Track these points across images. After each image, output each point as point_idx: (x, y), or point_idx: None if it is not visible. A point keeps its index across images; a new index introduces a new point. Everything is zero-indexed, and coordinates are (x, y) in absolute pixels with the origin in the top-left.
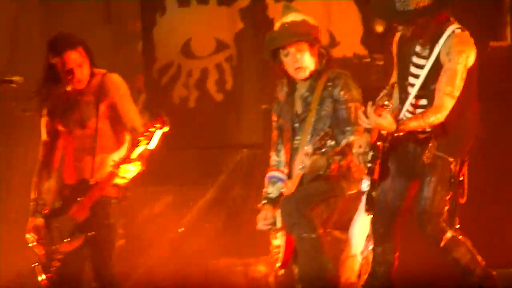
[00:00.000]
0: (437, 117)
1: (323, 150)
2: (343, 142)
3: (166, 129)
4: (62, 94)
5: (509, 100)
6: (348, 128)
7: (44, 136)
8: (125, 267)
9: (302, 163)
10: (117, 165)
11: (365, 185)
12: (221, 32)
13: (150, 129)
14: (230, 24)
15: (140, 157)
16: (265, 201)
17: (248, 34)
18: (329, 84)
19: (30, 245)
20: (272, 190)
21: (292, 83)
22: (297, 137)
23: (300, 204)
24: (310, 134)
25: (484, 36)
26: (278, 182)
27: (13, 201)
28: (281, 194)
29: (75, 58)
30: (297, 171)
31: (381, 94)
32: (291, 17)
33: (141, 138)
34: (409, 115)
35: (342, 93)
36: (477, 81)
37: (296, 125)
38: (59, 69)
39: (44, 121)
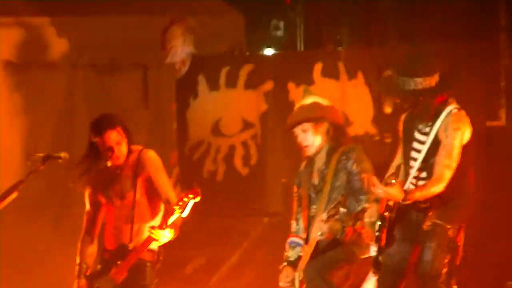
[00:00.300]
0: (438, 187)
1: (336, 217)
2: (358, 209)
3: (198, 199)
4: (103, 169)
5: (503, 175)
6: (362, 197)
7: (87, 206)
8: None
9: (319, 229)
10: (155, 230)
11: (373, 250)
12: (248, 113)
13: (184, 199)
14: (255, 106)
15: (174, 225)
16: (285, 263)
17: (271, 114)
18: (343, 157)
19: None
20: (291, 254)
21: (311, 157)
22: (314, 206)
23: (321, 270)
24: (325, 204)
25: (481, 116)
26: (296, 247)
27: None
28: (299, 257)
29: (114, 137)
30: (316, 236)
31: (389, 173)
32: (305, 101)
33: (176, 207)
34: (412, 187)
35: (355, 165)
36: (473, 156)
37: (313, 195)
38: (100, 146)
39: (87, 193)
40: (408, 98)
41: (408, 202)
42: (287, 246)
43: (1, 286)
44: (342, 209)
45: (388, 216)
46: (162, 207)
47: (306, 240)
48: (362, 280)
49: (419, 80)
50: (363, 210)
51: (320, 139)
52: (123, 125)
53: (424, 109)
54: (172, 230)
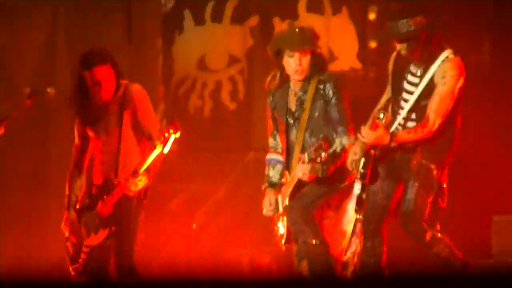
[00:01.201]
0: (426, 132)
1: (317, 160)
2: (337, 142)
3: (178, 134)
4: (92, 103)
5: (486, 111)
6: (340, 128)
7: (76, 139)
8: (145, 257)
9: (301, 170)
10: (127, 178)
11: (356, 188)
12: (234, 48)
13: (165, 135)
14: (241, 41)
15: (147, 170)
16: (266, 184)
17: (257, 49)
18: (321, 86)
19: (65, 235)
20: (273, 174)
21: (285, 77)
22: (293, 132)
23: (303, 211)
24: (304, 132)
25: (465, 50)
26: (277, 165)
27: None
28: (280, 178)
29: (103, 72)
30: (297, 175)
31: (378, 107)
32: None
33: (157, 142)
34: (400, 127)
35: (333, 95)
36: (462, 101)
37: (290, 121)
38: (88, 81)
39: (76, 126)
40: (405, 39)
41: (394, 144)
42: (266, 164)
43: None
44: (323, 154)
45: (373, 154)
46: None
47: (288, 165)
48: (343, 202)
49: (410, 20)
50: (343, 148)
51: (309, 67)
52: (113, 60)
53: (420, 50)
54: (144, 178)
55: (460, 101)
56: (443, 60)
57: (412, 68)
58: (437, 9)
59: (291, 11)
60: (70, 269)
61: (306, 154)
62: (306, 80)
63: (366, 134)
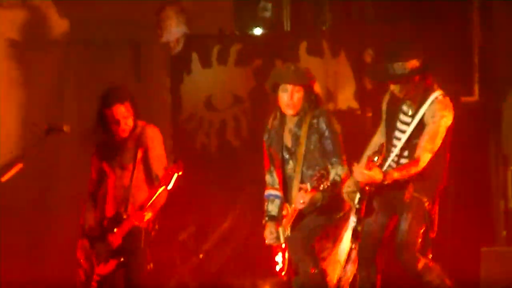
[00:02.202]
0: (416, 168)
1: (320, 188)
2: (333, 173)
3: (181, 173)
4: (109, 140)
5: (476, 149)
6: (334, 159)
7: (92, 174)
8: (154, 286)
9: (302, 198)
10: (134, 213)
11: (352, 221)
12: (238, 89)
13: (168, 173)
14: (245, 82)
15: (153, 205)
16: (267, 219)
17: (260, 90)
18: (314, 121)
19: (79, 262)
20: (272, 208)
21: (282, 117)
22: (289, 167)
23: (304, 242)
24: (302, 165)
25: (455, 91)
26: (275, 200)
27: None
28: (280, 211)
29: (122, 111)
30: (298, 205)
31: (372, 151)
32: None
33: (162, 181)
34: (393, 164)
35: (326, 128)
36: (451, 139)
37: (287, 156)
38: (107, 118)
39: (93, 161)
40: (399, 81)
41: (387, 182)
42: (265, 199)
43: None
44: (326, 182)
45: (368, 190)
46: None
47: (286, 198)
48: (340, 233)
49: (405, 63)
50: (340, 178)
51: (302, 102)
52: (132, 100)
53: (412, 91)
54: (150, 213)
55: (449, 139)
56: (433, 101)
57: (404, 108)
58: (429, 53)
59: (292, 54)
60: None
61: (308, 184)
62: (301, 117)
63: (361, 174)
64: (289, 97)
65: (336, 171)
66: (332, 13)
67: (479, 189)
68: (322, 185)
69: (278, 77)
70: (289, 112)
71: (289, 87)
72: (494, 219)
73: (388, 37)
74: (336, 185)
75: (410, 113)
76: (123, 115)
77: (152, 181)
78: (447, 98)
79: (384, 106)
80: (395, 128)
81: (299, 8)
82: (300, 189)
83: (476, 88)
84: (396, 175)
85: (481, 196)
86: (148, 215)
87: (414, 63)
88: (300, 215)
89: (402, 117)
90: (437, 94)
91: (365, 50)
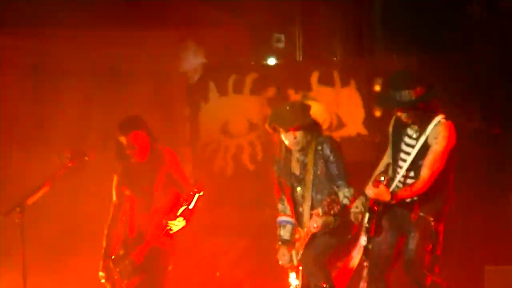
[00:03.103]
0: (422, 188)
1: (331, 213)
2: (341, 195)
3: (202, 193)
4: (129, 164)
5: (477, 169)
6: (340, 182)
7: (114, 198)
8: None
9: (315, 222)
10: (168, 221)
11: (363, 240)
12: (253, 116)
13: (190, 193)
14: (260, 109)
15: (183, 215)
16: (280, 243)
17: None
18: (319, 147)
19: (102, 281)
20: (284, 233)
21: (288, 149)
22: (298, 193)
23: (316, 258)
24: (311, 191)
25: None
26: (287, 225)
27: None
28: (292, 235)
29: (138, 137)
30: (312, 229)
31: (379, 172)
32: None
33: (184, 200)
34: (400, 185)
35: (330, 154)
36: (455, 160)
37: (295, 184)
38: (125, 145)
39: (114, 185)
40: (406, 108)
41: (394, 202)
42: (278, 225)
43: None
44: (336, 207)
45: (376, 210)
46: (175, 199)
47: (299, 223)
48: (350, 252)
49: (411, 91)
50: (348, 200)
51: (306, 136)
52: (146, 126)
53: (416, 116)
54: (182, 219)
55: (452, 160)
56: (436, 124)
57: (409, 131)
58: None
59: (304, 83)
60: None
61: (320, 209)
62: (306, 146)
63: (370, 189)
64: (291, 138)
65: (343, 193)
66: (342, 44)
67: (485, 207)
68: (333, 210)
69: (276, 121)
70: (295, 148)
71: (291, 129)
72: (496, 240)
73: (396, 67)
74: (346, 208)
75: (414, 136)
76: (139, 140)
77: (171, 201)
78: (450, 122)
79: (390, 129)
80: (400, 150)
81: (311, 39)
82: (311, 215)
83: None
84: (403, 194)
85: (486, 215)
86: (178, 225)
87: (419, 90)
88: (313, 237)
89: (407, 140)
90: (440, 117)
91: (374, 79)
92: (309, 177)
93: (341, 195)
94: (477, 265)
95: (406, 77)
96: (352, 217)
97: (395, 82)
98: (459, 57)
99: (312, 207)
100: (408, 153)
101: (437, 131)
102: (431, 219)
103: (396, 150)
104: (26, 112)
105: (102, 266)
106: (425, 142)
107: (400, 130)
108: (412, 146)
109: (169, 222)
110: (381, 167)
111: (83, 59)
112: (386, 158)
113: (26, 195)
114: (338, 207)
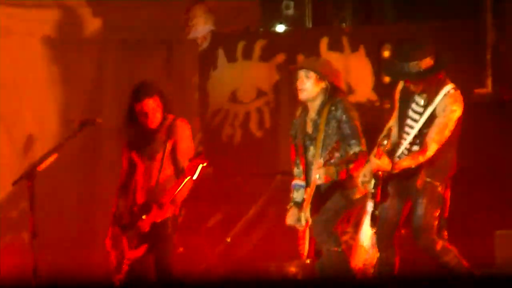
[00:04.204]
0: (424, 157)
1: (331, 161)
2: (351, 152)
3: (205, 164)
4: (139, 132)
5: (487, 137)
6: (353, 141)
7: (124, 164)
8: (183, 269)
9: (317, 173)
10: (161, 203)
11: (369, 206)
12: (262, 83)
13: (194, 164)
14: (268, 76)
15: (179, 196)
16: (291, 204)
17: (283, 84)
18: (333, 108)
19: (108, 249)
20: (296, 195)
21: (305, 108)
22: (310, 152)
23: (326, 224)
24: (321, 149)
25: (470, 83)
26: (300, 189)
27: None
28: (303, 199)
29: (151, 104)
30: (315, 180)
31: (382, 135)
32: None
33: (187, 171)
34: (406, 152)
35: (343, 114)
36: (461, 129)
37: (308, 143)
38: (137, 112)
39: (124, 152)
40: (414, 79)
41: (396, 171)
42: (292, 189)
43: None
44: (336, 154)
45: (381, 175)
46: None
47: (307, 183)
48: (360, 218)
49: (419, 62)
50: (355, 154)
51: (315, 90)
52: (161, 94)
53: (426, 85)
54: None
55: (459, 128)
56: (445, 94)
57: (417, 98)
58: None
59: (313, 50)
60: (114, 279)
61: (321, 158)
62: (321, 106)
63: (372, 159)
64: (300, 82)
65: (354, 151)
66: (351, 10)
67: (494, 173)
68: (333, 158)
69: (300, 62)
70: (300, 96)
71: (301, 73)
72: (509, 203)
73: (405, 34)
74: (350, 161)
75: (422, 103)
76: (152, 108)
77: (179, 172)
78: (458, 92)
79: (397, 95)
80: (407, 116)
81: (320, 6)
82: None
83: (489, 81)
84: (404, 163)
85: (495, 180)
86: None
87: (428, 61)
88: (321, 198)
89: (415, 107)
90: (449, 88)
91: (383, 46)
92: (320, 136)
93: (351, 152)
94: (488, 230)
95: (414, 47)
96: (360, 185)
97: (402, 53)
98: (471, 23)
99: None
100: (416, 120)
101: (445, 102)
102: (438, 183)
103: (403, 116)
104: (38, 80)
105: (110, 233)
106: (433, 111)
107: (408, 97)
108: (420, 114)
109: (173, 193)
110: (385, 132)
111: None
112: (391, 123)
113: (36, 163)
114: (339, 154)
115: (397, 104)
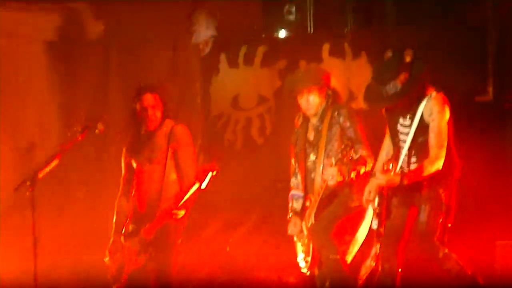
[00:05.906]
0: (436, 166)
1: (344, 160)
2: (357, 156)
3: (215, 172)
4: (138, 135)
5: (488, 144)
6: (358, 145)
7: (123, 171)
8: (183, 278)
9: (330, 173)
10: (169, 210)
11: (375, 223)
12: (263, 89)
13: (203, 172)
14: (270, 82)
15: (185, 204)
16: (291, 214)
17: (284, 90)
18: (335, 113)
19: (107, 259)
20: (296, 206)
21: (305, 116)
22: (310, 160)
23: (325, 230)
24: (323, 155)
25: (471, 91)
26: (299, 199)
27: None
28: (303, 208)
29: (150, 99)
30: (329, 182)
31: (387, 159)
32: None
33: (196, 179)
34: (405, 165)
35: (346, 120)
36: (453, 129)
37: (309, 149)
38: (138, 111)
39: (123, 158)
40: (394, 102)
41: (406, 183)
42: (290, 199)
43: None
44: (352, 154)
45: (386, 194)
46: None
47: (306, 191)
48: (356, 225)
49: (395, 81)
50: (361, 159)
51: (320, 100)
52: (162, 94)
53: (404, 102)
54: (183, 211)
55: (451, 130)
56: (428, 100)
57: (402, 115)
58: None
59: (315, 55)
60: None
61: (333, 158)
62: (322, 112)
63: (379, 176)
64: (306, 101)
65: (360, 154)
66: (353, 16)
67: (495, 182)
68: (346, 157)
69: (291, 83)
70: (309, 113)
71: (304, 91)
72: (510, 213)
73: (406, 40)
74: (357, 164)
75: (408, 116)
76: (152, 105)
77: (181, 178)
78: (441, 94)
79: (383, 112)
80: (397, 132)
81: (322, 11)
82: (325, 166)
83: (490, 89)
84: (416, 176)
85: (497, 190)
86: (181, 213)
87: (404, 76)
88: (320, 206)
89: (402, 121)
90: (430, 93)
91: (384, 51)
92: (323, 142)
93: (357, 156)
94: (489, 240)
95: (388, 66)
96: (363, 202)
97: (378, 75)
98: (472, 30)
99: (323, 173)
100: (406, 134)
101: (429, 107)
102: (441, 190)
103: (394, 132)
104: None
105: (111, 242)
106: (421, 119)
107: (393, 113)
108: (408, 126)
109: (174, 211)
110: (385, 147)
111: (98, 30)
112: (387, 139)
113: (36, 169)
114: (350, 154)
115: (386, 121)
